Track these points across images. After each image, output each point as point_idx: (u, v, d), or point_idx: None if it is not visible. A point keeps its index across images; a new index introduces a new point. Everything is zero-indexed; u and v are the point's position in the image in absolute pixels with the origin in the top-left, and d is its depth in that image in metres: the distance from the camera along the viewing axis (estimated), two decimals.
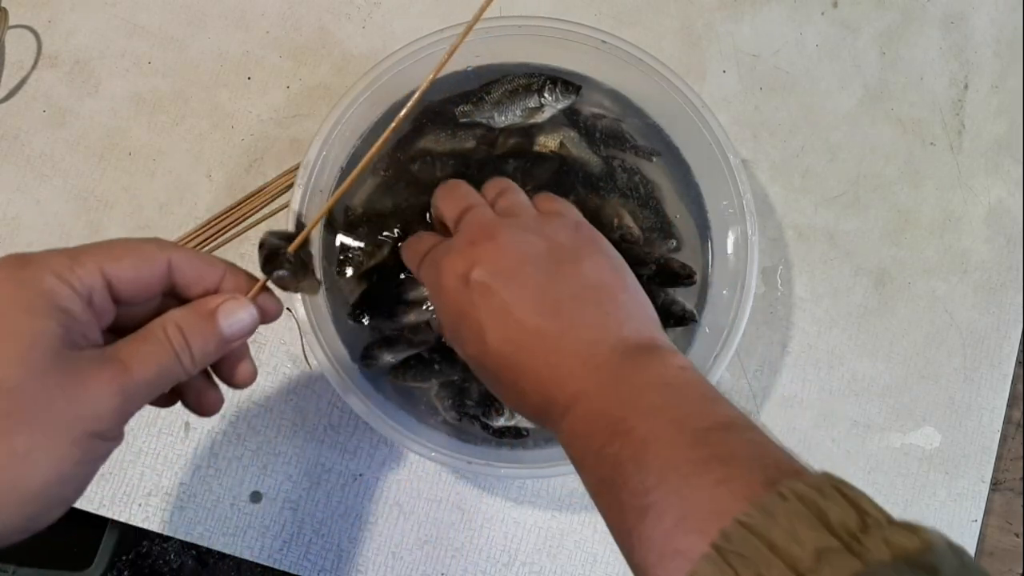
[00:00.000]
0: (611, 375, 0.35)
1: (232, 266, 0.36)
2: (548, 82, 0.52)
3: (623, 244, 0.53)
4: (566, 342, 0.36)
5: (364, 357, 0.53)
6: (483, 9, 0.36)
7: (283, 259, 0.36)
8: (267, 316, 0.36)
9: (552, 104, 0.53)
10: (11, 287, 0.29)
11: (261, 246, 0.37)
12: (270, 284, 0.36)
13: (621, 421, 0.32)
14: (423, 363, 0.53)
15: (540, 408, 0.37)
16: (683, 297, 0.55)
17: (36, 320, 0.28)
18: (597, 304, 0.38)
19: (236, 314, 0.34)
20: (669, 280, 0.54)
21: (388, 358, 0.53)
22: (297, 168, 0.55)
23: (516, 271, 0.38)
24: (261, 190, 0.60)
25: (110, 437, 0.30)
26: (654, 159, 0.56)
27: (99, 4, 0.62)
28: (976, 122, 0.66)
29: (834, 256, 0.63)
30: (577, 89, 0.53)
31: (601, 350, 0.36)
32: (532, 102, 0.52)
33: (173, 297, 0.35)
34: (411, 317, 0.53)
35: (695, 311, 0.54)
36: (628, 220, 0.54)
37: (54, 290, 0.29)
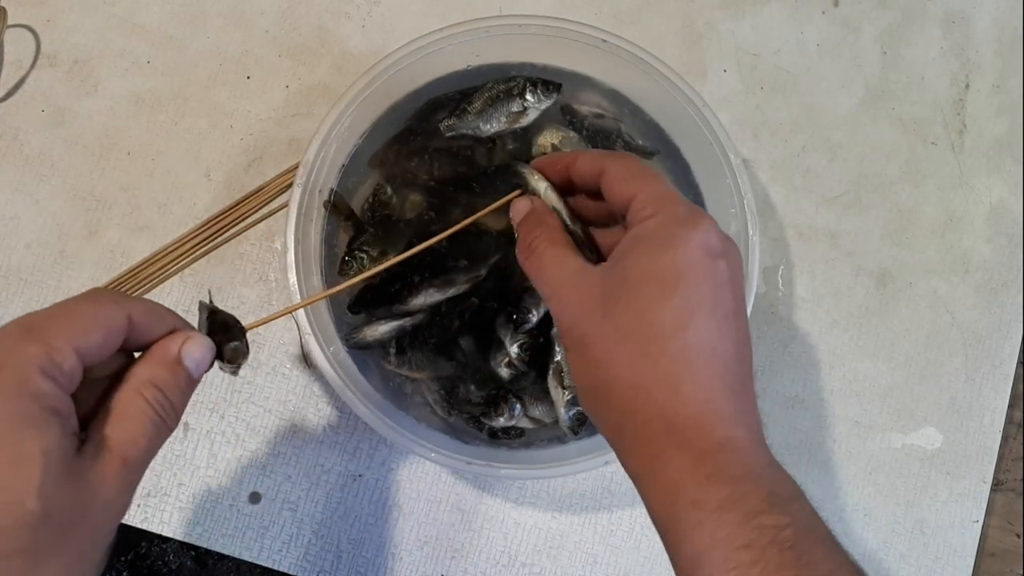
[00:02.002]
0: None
1: (168, 310, 0.35)
2: (528, 84, 0.52)
3: None
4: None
5: (350, 330, 0.52)
6: None
7: (238, 333, 0.36)
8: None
9: (535, 105, 0.52)
10: (5, 397, 0.27)
11: (210, 312, 0.37)
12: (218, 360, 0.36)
13: None
14: (420, 347, 0.52)
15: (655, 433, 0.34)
16: None
17: (42, 436, 0.27)
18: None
19: (198, 353, 0.34)
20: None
21: (371, 333, 0.52)
22: (296, 168, 0.55)
23: (733, 285, 0.36)
24: (260, 190, 0.60)
25: (123, 514, 0.31)
26: (653, 157, 0.56)
27: (98, 3, 0.62)
28: (977, 121, 0.65)
29: (835, 256, 0.63)
30: (558, 87, 0.53)
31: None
32: (515, 106, 0.52)
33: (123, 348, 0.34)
34: (419, 299, 0.52)
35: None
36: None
37: (46, 393, 0.28)
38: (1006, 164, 0.65)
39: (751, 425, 0.33)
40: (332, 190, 0.52)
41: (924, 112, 0.65)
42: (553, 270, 0.38)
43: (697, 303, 0.33)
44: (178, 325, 0.35)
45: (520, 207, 0.41)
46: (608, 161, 0.39)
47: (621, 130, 0.56)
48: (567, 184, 0.42)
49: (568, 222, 0.41)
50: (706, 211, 0.54)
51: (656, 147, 0.56)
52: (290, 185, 0.59)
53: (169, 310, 0.35)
